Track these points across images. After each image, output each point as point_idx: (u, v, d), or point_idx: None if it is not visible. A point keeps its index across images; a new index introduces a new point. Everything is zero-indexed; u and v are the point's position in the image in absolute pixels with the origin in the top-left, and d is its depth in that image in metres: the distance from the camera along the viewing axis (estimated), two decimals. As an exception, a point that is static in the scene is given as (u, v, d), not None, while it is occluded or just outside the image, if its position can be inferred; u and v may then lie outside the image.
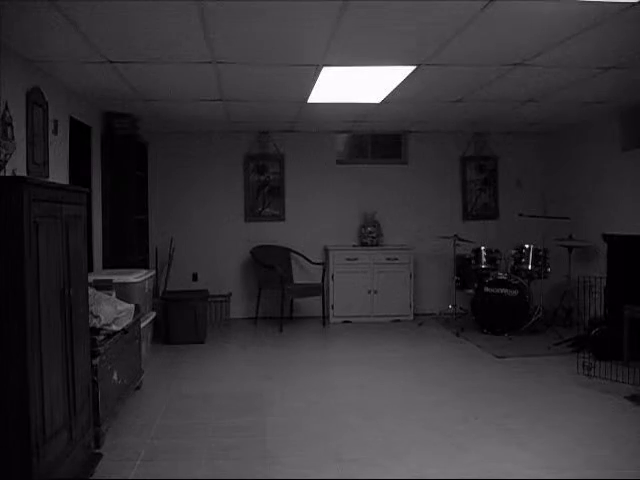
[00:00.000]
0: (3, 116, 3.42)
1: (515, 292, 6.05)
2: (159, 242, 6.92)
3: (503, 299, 6.08)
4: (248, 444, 3.32)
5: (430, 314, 7.08)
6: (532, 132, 7.38)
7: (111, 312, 3.54)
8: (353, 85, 4.74)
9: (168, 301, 5.92)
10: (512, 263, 6.38)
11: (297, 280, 7.10)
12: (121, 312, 3.71)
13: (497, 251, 6.52)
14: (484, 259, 6.49)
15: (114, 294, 4.11)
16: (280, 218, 7.32)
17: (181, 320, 5.86)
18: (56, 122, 4.41)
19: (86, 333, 3.06)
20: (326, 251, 7.11)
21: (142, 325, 4.65)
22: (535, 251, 6.25)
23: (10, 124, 3.50)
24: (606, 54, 3.85)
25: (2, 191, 2.22)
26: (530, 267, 6.23)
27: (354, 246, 7.18)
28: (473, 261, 6.55)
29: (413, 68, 4.20)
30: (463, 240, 6.50)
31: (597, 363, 4.63)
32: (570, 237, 6.23)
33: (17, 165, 3.56)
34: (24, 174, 3.69)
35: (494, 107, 5.75)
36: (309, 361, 5.25)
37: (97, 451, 3.14)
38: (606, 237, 5.43)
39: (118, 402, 3.66)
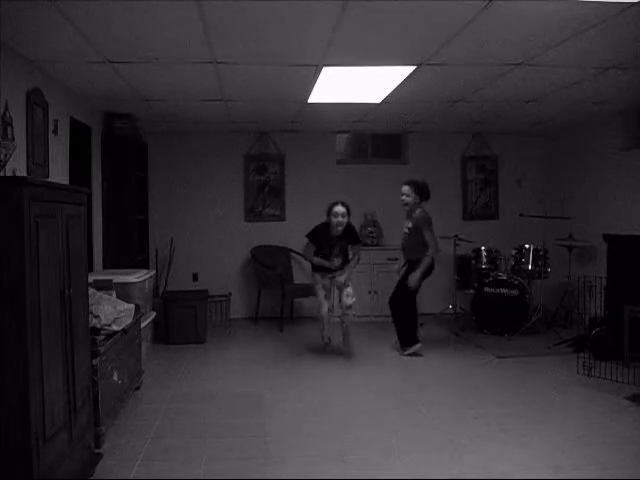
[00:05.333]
0: (3, 116, 3.42)
1: (515, 292, 6.05)
2: (159, 242, 6.92)
3: (503, 299, 6.08)
4: (248, 444, 3.32)
5: (430, 314, 7.07)
6: (532, 132, 7.38)
7: (111, 312, 3.54)
8: (353, 85, 4.74)
9: (168, 301, 5.92)
10: (512, 263, 6.38)
11: (297, 280, 7.09)
12: (121, 312, 3.71)
13: (497, 251, 6.52)
14: (484, 259, 6.49)
15: (114, 294, 4.11)
16: (280, 218, 7.33)
17: (181, 320, 5.86)
18: (56, 122, 4.41)
19: (86, 333, 3.05)
20: (326, 251, 7.10)
21: (142, 325, 4.65)
22: (535, 251, 6.25)
23: (10, 124, 3.50)
24: (606, 54, 3.84)
25: (2, 191, 2.22)
26: (530, 267, 6.23)
27: (354, 246, 7.17)
28: (473, 261, 6.55)
29: (413, 68, 4.21)
30: (463, 240, 6.49)
31: (597, 363, 4.63)
32: (570, 237, 6.23)
33: (17, 165, 3.56)
34: (24, 174, 3.69)
35: (494, 107, 5.75)
36: (309, 361, 5.25)
37: (97, 451, 3.14)
38: (606, 237, 5.43)
39: (118, 402, 3.66)
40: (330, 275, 5.32)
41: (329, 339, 5.55)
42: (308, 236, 5.29)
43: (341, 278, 5.31)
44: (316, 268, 5.33)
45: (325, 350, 5.52)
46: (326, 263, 5.23)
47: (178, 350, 5.63)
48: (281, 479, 2.90)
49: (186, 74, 4.34)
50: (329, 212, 5.17)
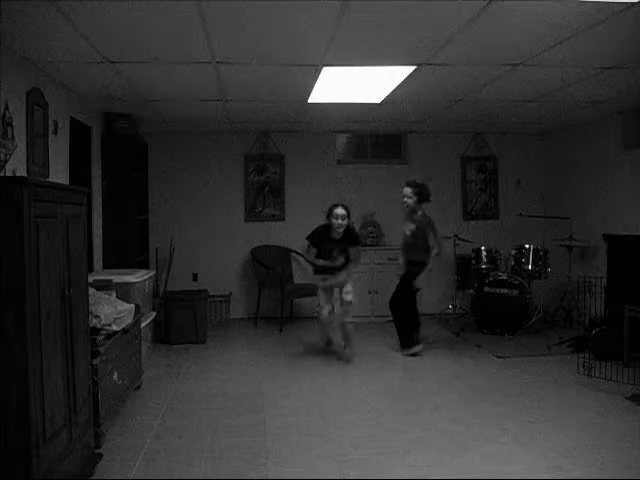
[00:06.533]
0: (3, 116, 3.42)
1: (515, 292, 6.05)
2: (159, 242, 6.92)
3: (503, 299, 6.08)
4: (248, 444, 3.32)
5: (430, 314, 7.07)
6: (532, 132, 7.38)
7: (111, 312, 3.54)
8: (353, 85, 4.74)
9: (168, 301, 5.92)
10: (512, 263, 6.38)
11: (297, 280, 7.10)
12: (121, 312, 3.71)
13: (497, 251, 6.52)
14: (484, 259, 6.49)
15: (114, 294, 4.11)
16: (280, 218, 7.33)
17: (181, 320, 5.86)
18: (56, 122, 4.41)
19: (86, 333, 3.05)
20: (326, 251, 7.10)
21: (142, 325, 4.65)
22: (535, 251, 6.25)
23: (10, 124, 3.50)
24: (606, 54, 3.85)
25: (2, 191, 2.22)
26: (530, 267, 6.23)
27: (354, 246, 7.17)
28: (473, 261, 6.55)
29: (413, 68, 4.21)
30: (463, 240, 6.50)
31: (597, 363, 4.63)
32: (570, 237, 6.23)
33: (17, 165, 3.56)
34: (24, 174, 3.69)
35: (494, 107, 5.75)
36: (309, 361, 5.25)
37: (97, 451, 3.14)
38: (606, 237, 5.43)
39: (118, 402, 3.66)
40: (330, 274, 5.23)
41: (329, 339, 5.57)
42: (308, 239, 5.24)
43: (341, 277, 5.24)
44: (316, 270, 5.29)
45: (325, 351, 5.52)
46: (329, 263, 5.17)
47: (178, 350, 5.63)
48: (281, 479, 2.90)
49: (186, 74, 4.34)
50: (329, 214, 5.12)
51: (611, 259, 5.35)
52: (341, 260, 5.19)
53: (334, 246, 5.17)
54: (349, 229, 5.21)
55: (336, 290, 5.34)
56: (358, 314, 6.85)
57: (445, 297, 7.10)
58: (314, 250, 5.23)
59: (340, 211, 5.06)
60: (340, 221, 5.04)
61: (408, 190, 5.40)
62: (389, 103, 5.44)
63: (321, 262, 5.17)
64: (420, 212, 5.38)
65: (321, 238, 5.18)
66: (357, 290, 6.82)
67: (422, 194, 5.38)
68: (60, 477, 2.54)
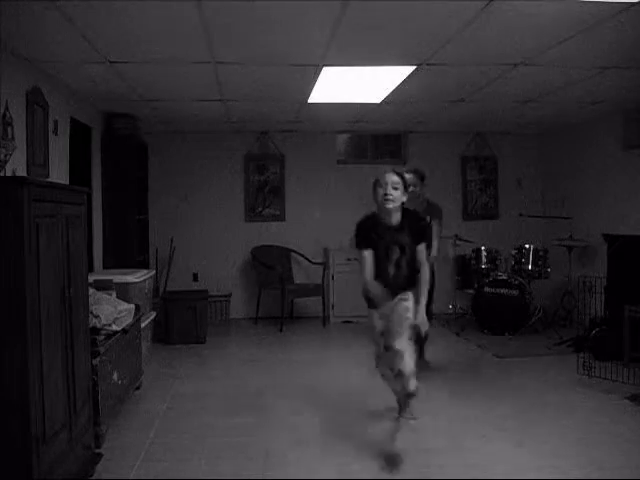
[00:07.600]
0: (3, 116, 3.42)
1: (515, 292, 6.05)
2: (159, 242, 6.91)
3: (503, 299, 6.08)
4: (248, 444, 3.32)
5: (430, 314, 7.06)
6: (532, 132, 7.38)
7: (111, 312, 3.54)
8: (353, 85, 4.74)
9: (168, 301, 5.92)
10: (512, 263, 6.38)
11: (297, 280, 7.09)
12: (121, 312, 3.71)
13: (497, 251, 6.52)
14: (484, 259, 6.49)
15: (114, 294, 4.11)
16: (280, 218, 7.33)
17: (181, 320, 5.86)
18: (56, 122, 4.41)
19: (86, 333, 3.05)
20: (326, 251, 7.10)
21: (142, 325, 4.65)
22: (535, 251, 6.25)
23: (10, 124, 3.50)
24: (606, 54, 3.84)
25: (2, 191, 2.22)
26: (530, 267, 6.23)
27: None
28: (473, 261, 6.55)
29: (413, 68, 4.21)
30: (463, 240, 6.49)
31: (597, 363, 4.63)
32: (570, 237, 6.23)
33: (17, 165, 3.56)
34: (24, 174, 3.69)
35: (494, 107, 5.75)
36: (309, 361, 5.26)
37: (97, 451, 3.14)
38: (606, 237, 5.43)
39: (118, 402, 3.66)
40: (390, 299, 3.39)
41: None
42: (357, 233, 3.37)
43: (405, 304, 3.33)
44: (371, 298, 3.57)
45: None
46: (372, 292, 3.49)
47: (178, 350, 5.63)
48: (281, 479, 2.90)
49: (186, 74, 4.34)
50: (375, 184, 3.31)
51: (611, 259, 5.35)
52: (401, 275, 3.44)
53: (390, 242, 3.33)
54: (410, 213, 3.39)
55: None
56: (358, 314, 6.86)
57: (445, 297, 7.09)
58: (371, 255, 3.39)
59: (390, 176, 3.24)
60: (390, 191, 3.20)
61: (411, 178, 4.38)
62: (389, 103, 5.44)
63: (371, 286, 3.55)
64: (425, 198, 4.84)
65: (370, 230, 3.34)
66: (356, 290, 6.86)
67: (422, 176, 4.75)
68: (60, 477, 2.54)
